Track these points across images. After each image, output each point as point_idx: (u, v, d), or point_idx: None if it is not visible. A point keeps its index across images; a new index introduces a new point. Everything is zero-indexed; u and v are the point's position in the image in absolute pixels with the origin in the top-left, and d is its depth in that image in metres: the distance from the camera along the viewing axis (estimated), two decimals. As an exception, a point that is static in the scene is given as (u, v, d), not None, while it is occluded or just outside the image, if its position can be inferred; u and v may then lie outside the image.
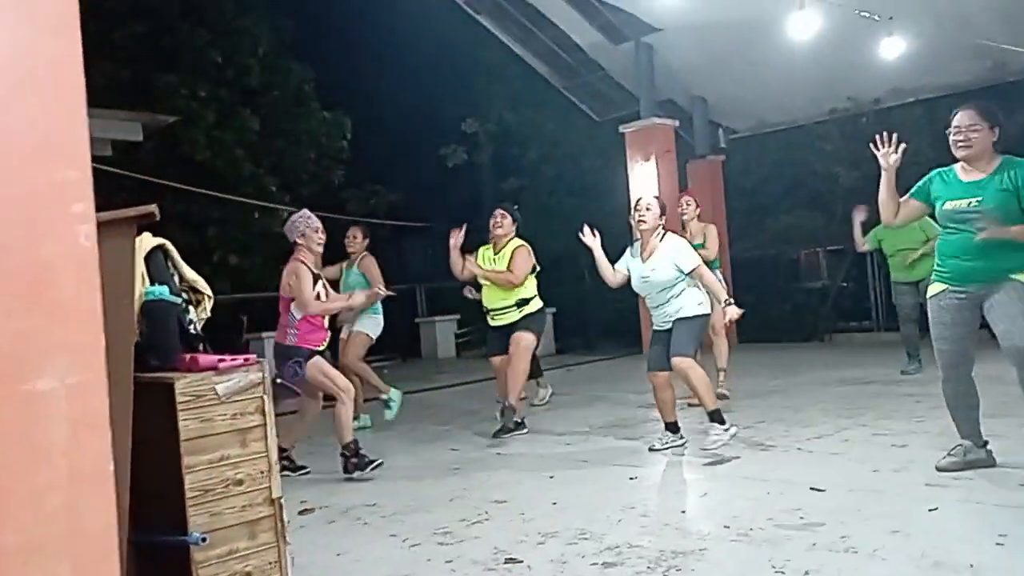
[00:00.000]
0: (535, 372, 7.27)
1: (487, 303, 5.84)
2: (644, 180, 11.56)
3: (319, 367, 4.82)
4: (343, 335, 6.46)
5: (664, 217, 4.86)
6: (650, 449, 4.93)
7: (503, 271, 5.72)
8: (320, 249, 4.94)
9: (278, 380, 4.61)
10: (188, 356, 2.56)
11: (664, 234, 4.81)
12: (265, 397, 2.53)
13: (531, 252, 5.87)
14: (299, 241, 4.87)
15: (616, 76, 12.45)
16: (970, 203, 3.63)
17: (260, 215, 13.05)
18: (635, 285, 4.89)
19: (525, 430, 5.78)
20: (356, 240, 6.53)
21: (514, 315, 5.74)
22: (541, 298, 5.99)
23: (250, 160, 13.07)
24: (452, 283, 10.84)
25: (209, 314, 3.01)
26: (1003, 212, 3.56)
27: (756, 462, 4.44)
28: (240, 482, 2.47)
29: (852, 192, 12.16)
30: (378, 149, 15.68)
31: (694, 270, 4.69)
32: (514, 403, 5.66)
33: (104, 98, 10.83)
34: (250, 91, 13.44)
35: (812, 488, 3.80)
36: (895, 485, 3.79)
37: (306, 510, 4.14)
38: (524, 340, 5.67)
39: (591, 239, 4.99)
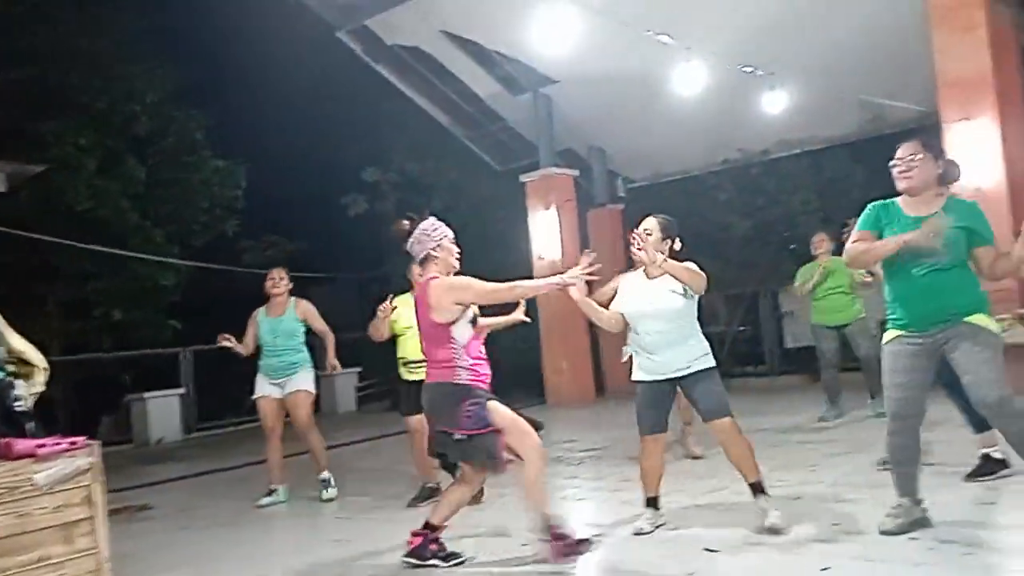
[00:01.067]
0: None
1: (407, 354, 5.35)
2: (546, 229, 11.61)
3: (503, 413, 3.72)
4: (270, 394, 5.91)
5: (669, 241, 4.10)
6: (635, 534, 4.07)
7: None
8: (456, 265, 3.97)
9: (451, 434, 3.66)
10: (3, 441, 2.24)
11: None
12: (94, 485, 2.24)
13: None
14: (435, 254, 3.86)
15: (516, 126, 12.57)
16: None
17: (147, 269, 12.44)
18: (633, 321, 4.07)
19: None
20: (283, 280, 6.00)
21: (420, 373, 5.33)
22: None
23: (137, 210, 12.50)
24: (352, 335, 10.54)
25: (43, 387, 2.69)
26: (952, 245, 3.43)
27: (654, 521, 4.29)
28: (64, 585, 2.17)
29: (746, 240, 12.56)
30: (276, 198, 15.29)
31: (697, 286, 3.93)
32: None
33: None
34: (138, 139, 12.92)
35: (706, 549, 3.68)
36: (787, 543, 3.70)
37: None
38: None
39: (576, 293, 3.88)
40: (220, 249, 14.00)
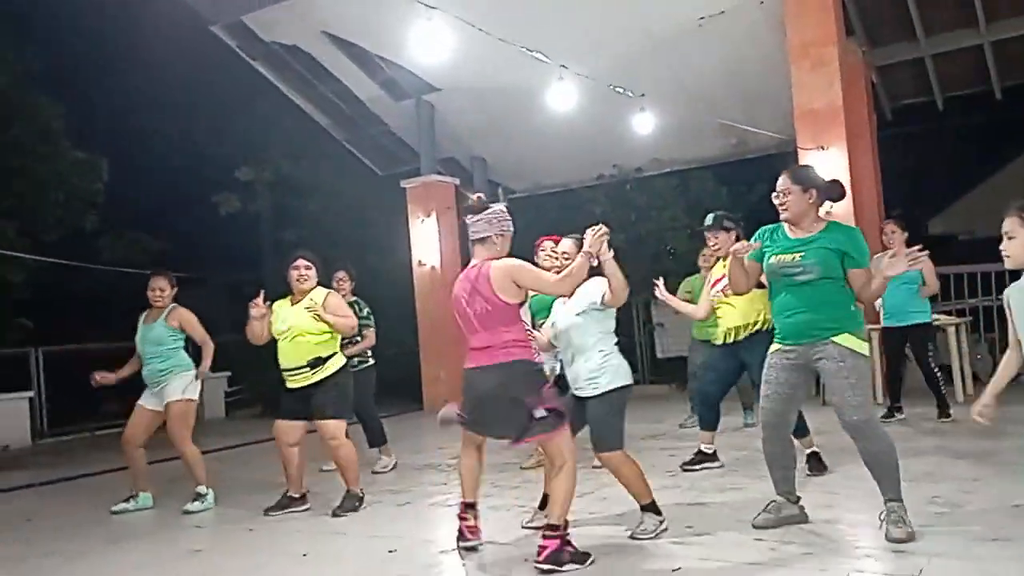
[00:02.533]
0: (379, 439, 6.76)
1: (284, 362, 5.15)
2: (426, 236, 11.61)
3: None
4: (143, 403, 5.63)
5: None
6: (631, 536, 3.97)
7: (342, 317, 5.12)
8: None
9: (530, 412, 3.53)
10: None
11: (589, 278, 3.89)
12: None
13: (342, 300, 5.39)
14: (495, 240, 3.79)
15: (398, 132, 12.52)
16: (794, 257, 3.71)
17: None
18: (554, 332, 4.14)
19: (306, 505, 5.26)
20: (164, 292, 5.67)
21: (307, 377, 5.09)
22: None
23: (-15, 201, 11.61)
24: (223, 337, 10.10)
25: None
26: (824, 268, 3.66)
27: (508, 531, 4.36)
28: None
29: (619, 253, 12.94)
30: (143, 195, 14.58)
31: (603, 298, 3.88)
32: (355, 490, 5.18)
33: None
34: (-12, 126, 11.99)
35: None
36: (642, 544, 3.86)
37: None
38: (330, 430, 5.06)
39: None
40: (78, 245, 13.18)
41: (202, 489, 5.57)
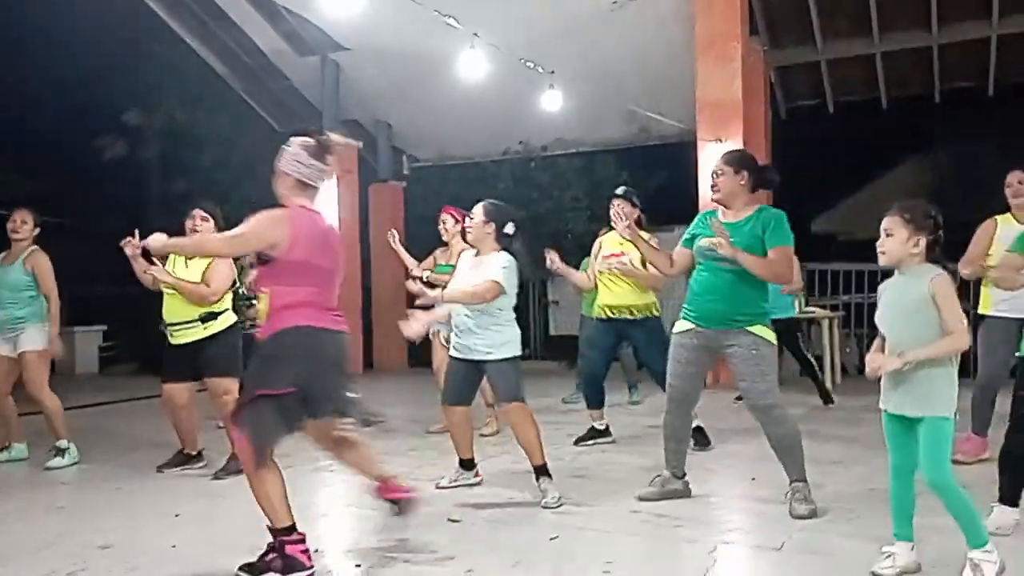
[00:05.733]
0: None
1: (167, 316, 4.93)
2: (324, 199, 11.29)
3: None
4: (3, 352, 5.29)
5: (493, 224, 4.19)
6: (437, 487, 4.37)
7: (196, 284, 4.81)
8: None
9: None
10: None
11: (500, 250, 4.17)
12: None
13: (230, 263, 5.04)
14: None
15: (300, 88, 12.09)
16: (719, 242, 3.72)
17: None
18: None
19: (202, 463, 5.12)
20: (26, 225, 5.30)
21: (198, 332, 4.86)
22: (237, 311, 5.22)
23: None
24: (100, 290, 9.51)
25: None
26: (747, 252, 3.69)
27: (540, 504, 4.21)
28: None
29: (519, 230, 13.05)
30: (17, 132, 13.56)
31: (490, 286, 4.02)
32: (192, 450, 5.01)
33: None
34: None
35: (450, 520, 3.80)
36: (523, 514, 3.92)
37: None
38: (223, 386, 4.76)
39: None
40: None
41: (63, 443, 5.28)
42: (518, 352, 4.24)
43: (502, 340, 4.18)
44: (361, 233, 11.93)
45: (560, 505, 4.02)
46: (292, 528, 3.11)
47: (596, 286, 5.58)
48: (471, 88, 8.83)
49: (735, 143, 8.76)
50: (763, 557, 3.32)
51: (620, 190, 5.53)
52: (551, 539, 3.50)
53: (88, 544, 3.55)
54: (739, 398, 7.25)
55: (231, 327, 5.01)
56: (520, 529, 3.69)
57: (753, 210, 3.87)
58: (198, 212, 4.99)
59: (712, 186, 3.94)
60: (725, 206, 3.92)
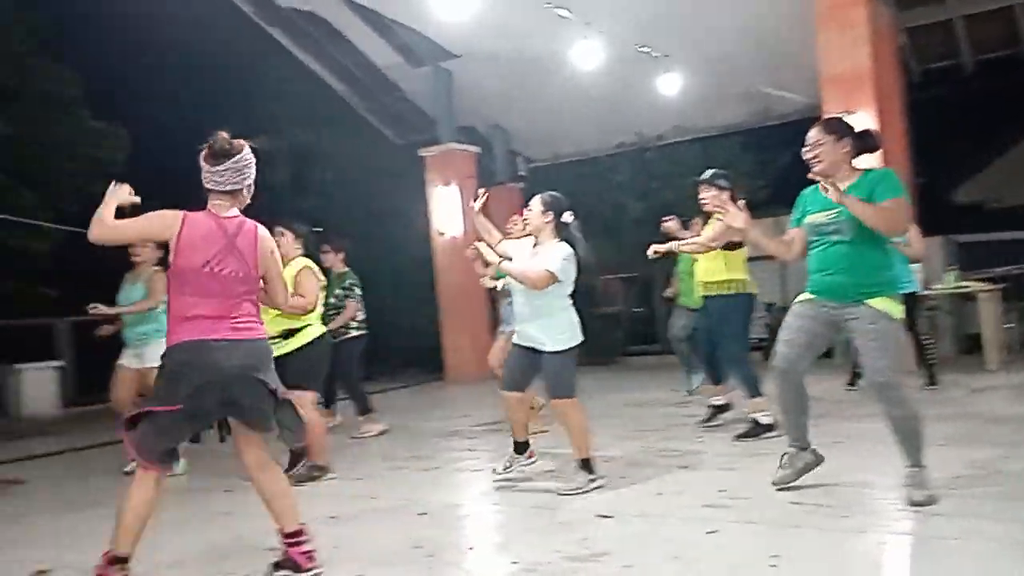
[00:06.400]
0: (362, 407, 6.89)
1: None
2: (445, 205, 11.51)
3: None
4: (130, 365, 5.71)
5: (551, 214, 4.28)
6: (495, 471, 4.57)
7: (293, 297, 4.88)
8: None
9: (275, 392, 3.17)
10: None
11: (559, 240, 4.28)
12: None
13: (317, 272, 5.24)
14: (246, 194, 3.28)
15: (415, 99, 12.38)
16: (829, 215, 3.61)
17: (16, 234, 11.59)
18: (510, 285, 4.43)
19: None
20: (146, 249, 5.66)
21: (280, 348, 4.94)
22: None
23: (1, 170, 11.59)
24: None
25: None
26: (856, 227, 3.54)
27: (547, 491, 4.34)
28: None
29: (640, 222, 12.84)
30: (158, 162, 14.50)
31: (543, 275, 4.12)
32: (320, 462, 5.09)
33: None
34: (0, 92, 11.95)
35: (600, 516, 3.75)
36: (676, 508, 3.82)
37: (40, 572, 3.52)
38: (299, 401, 4.93)
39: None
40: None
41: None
42: (575, 342, 4.27)
43: (558, 330, 4.24)
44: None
45: (576, 493, 4.10)
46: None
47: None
48: (583, 82, 8.79)
49: (866, 114, 8.31)
50: (939, 548, 3.09)
51: (706, 174, 5.55)
52: (709, 533, 3.38)
53: (258, 547, 3.71)
54: (851, 383, 6.89)
55: (314, 340, 5.12)
56: (675, 524, 3.60)
57: (856, 177, 3.66)
58: (277, 228, 5.09)
59: (811, 158, 3.71)
60: (827, 177, 3.68)
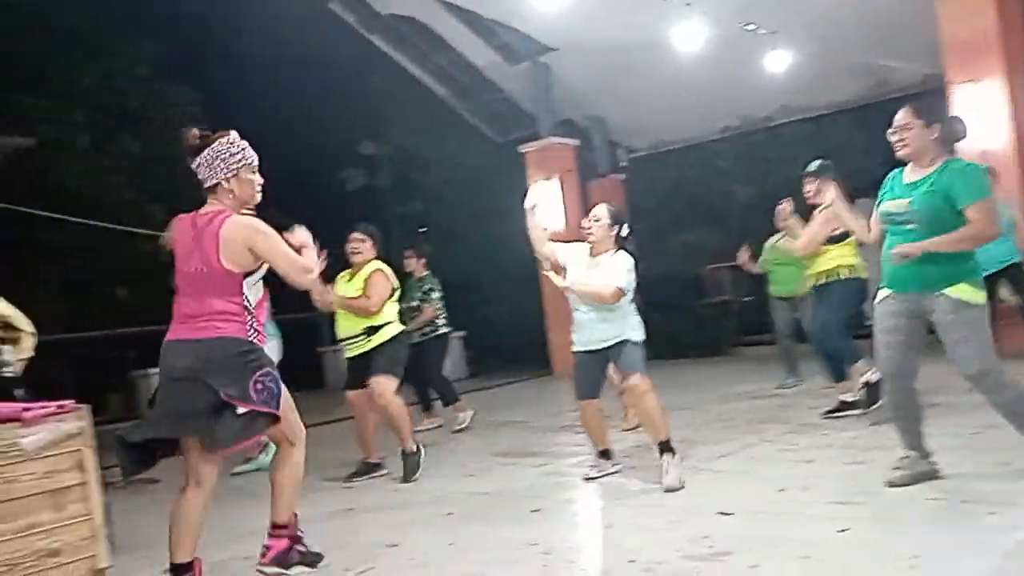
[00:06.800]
0: (451, 398, 7.23)
1: (339, 333, 5.32)
2: (548, 200, 11.44)
3: (288, 398, 3.15)
4: None
5: (617, 227, 4.38)
6: (585, 479, 4.52)
7: (358, 298, 5.14)
8: (256, 199, 3.27)
9: (232, 405, 2.87)
10: (-13, 405, 2.14)
11: (617, 250, 4.37)
12: (85, 450, 2.14)
13: (390, 275, 5.32)
14: (230, 183, 3.09)
15: (514, 97, 12.38)
16: (901, 205, 3.48)
17: (144, 244, 12.29)
18: (569, 295, 4.47)
19: (384, 471, 5.30)
20: None
21: (363, 345, 5.17)
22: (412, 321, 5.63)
23: (132, 187, 12.34)
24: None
25: (32, 353, 2.59)
26: (930, 215, 3.39)
27: (658, 487, 4.21)
28: (56, 552, 2.07)
29: (748, 208, 12.41)
30: (272, 173, 15.07)
31: (615, 292, 4.18)
32: (409, 448, 5.14)
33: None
34: (130, 115, 12.74)
35: (720, 513, 3.60)
36: (803, 505, 3.63)
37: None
38: (380, 386, 5.05)
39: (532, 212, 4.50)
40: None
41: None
42: (642, 338, 4.33)
43: (626, 327, 4.29)
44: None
45: (683, 487, 4.01)
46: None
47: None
48: (684, 66, 8.54)
49: (995, 82, 7.75)
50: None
51: (811, 166, 5.47)
52: (840, 531, 3.18)
53: (376, 543, 3.76)
54: None
55: (395, 337, 5.24)
56: (802, 521, 3.41)
57: (938, 164, 3.47)
58: (355, 235, 5.30)
59: (899, 141, 3.51)
60: (912, 162, 3.54)
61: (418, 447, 5.17)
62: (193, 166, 3.02)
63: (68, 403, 2.22)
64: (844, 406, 5.50)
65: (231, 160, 3.01)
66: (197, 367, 2.85)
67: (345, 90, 15.42)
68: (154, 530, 2.96)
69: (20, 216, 10.32)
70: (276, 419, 3.00)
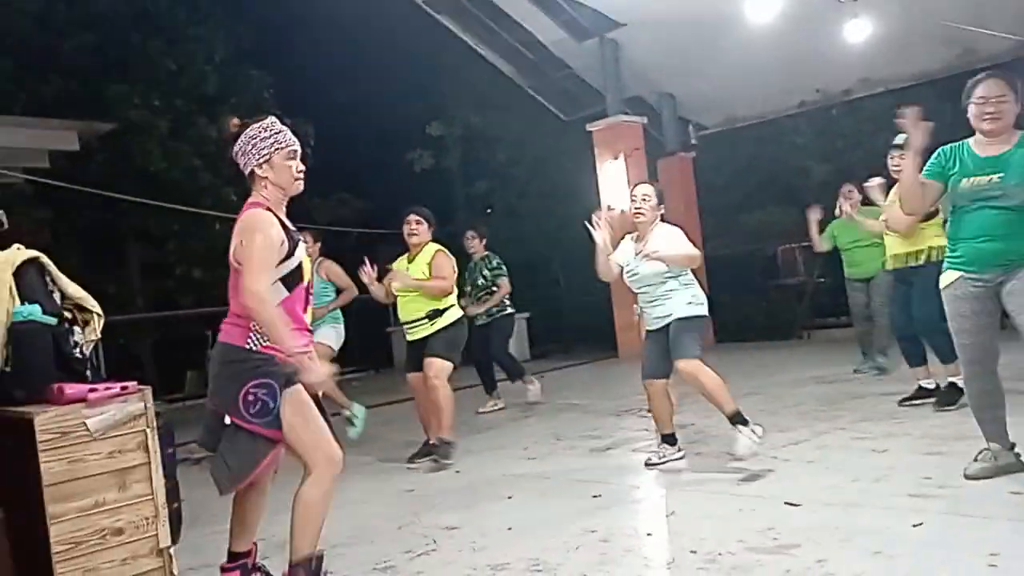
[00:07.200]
0: (518, 372, 7.36)
1: (402, 316, 5.33)
2: (614, 179, 11.29)
3: (304, 413, 2.72)
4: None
5: (663, 207, 4.45)
6: (647, 464, 4.47)
7: (433, 279, 5.17)
8: (297, 188, 2.96)
9: (221, 416, 2.74)
10: (54, 386, 2.21)
11: (662, 224, 4.42)
12: (148, 431, 2.19)
13: (450, 256, 5.36)
14: (263, 170, 2.86)
15: (582, 74, 12.21)
16: (991, 179, 3.31)
17: (222, 226, 12.65)
18: (626, 279, 4.48)
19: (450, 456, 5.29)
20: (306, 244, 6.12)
21: (426, 328, 5.19)
22: (462, 306, 5.60)
23: (208, 170, 12.68)
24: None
25: (99, 335, 2.67)
26: (1020, 189, 3.25)
27: (728, 474, 4.12)
28: (120, 531, 2.13)
29: (825, 186, 11.97)
30: (343, 156, 15.31)
31: (694, 252, 4.28)
32: (446, 436, 5.16)
33: (55, 111, 10.44)
34: (207, 99, 13.08)
35: (787, 503, 3.49)
36: (875, 497, 3.48)
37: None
38: (434, 368, 5.09)
39: (597, 231, 4.43)
40: (292, 207, 14.16)
41: (347, 411, 5.86)
42: (703, 312, 4.31)
43: (686, 300, 4.28)
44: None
45: (754, 455, 4.05)
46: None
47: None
48: (757, 39, 8.26)
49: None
50: None
51: (899, 139, 5.03)
52: (915, 526, 3.04)
53: (436, 525, 3.78)
54: None
55: (457, 321, 5.27)
56: (875, 514, 3.27)
57: (1016, 138, 3.36)
58: (412, 217, 5.31)
59: (991, 113, 3.34)
60: (994, 137, 3.37)
61: (453, 438, 5.21)
62: (233, 155, 2.88)
63: (132, 384, 2.28)
64: (923, 393, 5.28)
65: (262, 146, 2.80)
66: (213, 370, 2.77)
67: (414, 70, 15.47)
68: (222, 505, 3.03)
69: (105, 199, 10.75)
70: (273, 441, 2.68)
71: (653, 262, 4.22)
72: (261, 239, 2.65)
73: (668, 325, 4.29)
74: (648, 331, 4.45)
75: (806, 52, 9.56)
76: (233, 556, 2.94)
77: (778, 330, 11.28)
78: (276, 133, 2.83)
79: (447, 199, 15.93)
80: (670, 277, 4.29)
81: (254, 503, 2.93)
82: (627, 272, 4.44)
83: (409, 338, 5.34)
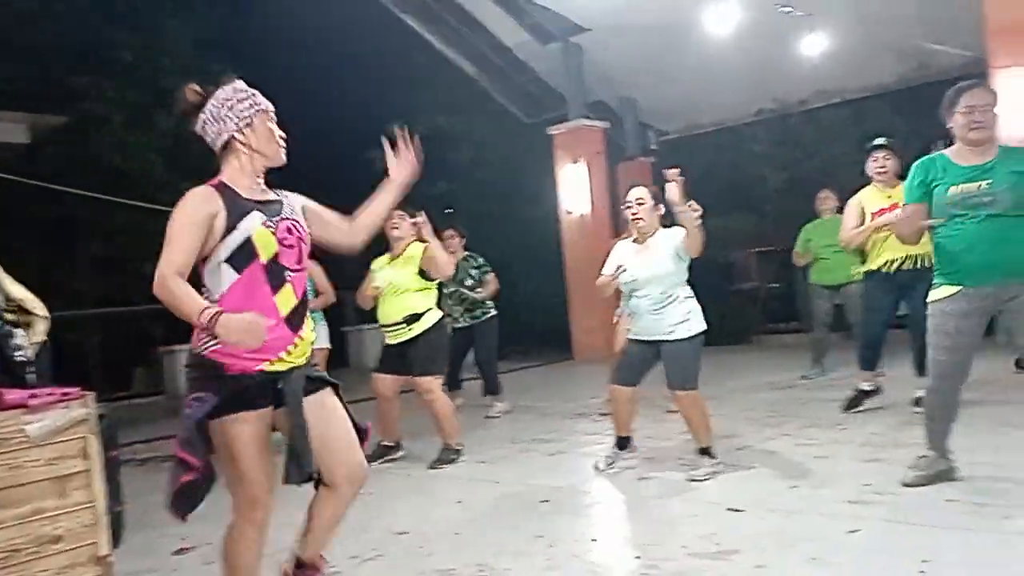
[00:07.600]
0: (494, 389, 7.07)
1: (381, 319, 5.24)
2: (574, 182, 11.38)
3: (232, 436, 2.34)
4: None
5: (661, 207, 4.21)
6: (596, 468, 4.50)
7: (440, 257, 4.92)
8: (279, 157, 2.68)
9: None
10: (-5, 391, 2.18)
11: (665, 227, 4.24)
12: (89, 437, 2.17)
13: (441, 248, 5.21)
14: (244, 135, 2.52)
15: (545, 77, 12.27)
16: (980, 186, 3.30)
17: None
18: (622, 284, 4.27)
19: (400, 452, 5.37)
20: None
21: (405, 333, 5.12)
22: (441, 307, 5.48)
23: (166, 165, 12.48)
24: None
25: (44, 337, 2.63)
26: (1016, 194, 3.26)
27: (675, 480, 4.19)
28: (59, 539, 2.10)
29: (781, 193, 12.22)
30: (304, 153, 15.13)
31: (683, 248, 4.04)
32: (453, 444, 5.17)
33: (7, 102, 10.21)
34: (165, 92, 12.85)
35: (730, 509, 3.57)
36: (816, 503, 3.57)
37: (182, 549, 3.74)
38: (423, 386, 5.05)
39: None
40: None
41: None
42: (701, 328, 4.18)
43: (682, 316, 4.15)
44: (612, 212, 11.88)
45: (707, 479, 4.05)
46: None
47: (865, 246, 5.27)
48: (717, 49, 8.39)
49: (1041, 67, 7.48)
50: None
51: (880, 140, 5.26)
52: (850, 532, 3.14)
53: (386, 530, 3.79)
54: (1020, 365, 6.17)
55: (435, 325, 5.14)
56: (814, 521, 3.36)
57: (996, 149, 3.39)
58: (395, 212, 5.02)
59: (979, 122, 3.35)
60: (978, 146, 3.39)
61: (460, 444, 5.20)
62: (198, 129, 2.45)
63: (73, 390, 2.25)
64: (862, 395, 5.45)
65: (240, 107, 2.42)
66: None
67: (377, 69, 15.41)
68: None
69: (56, 193, 10.52)
70: (181, 462, 2.24)
71: (652, 268, 4.12)
72: (177, 218, 2.31)
73: (663, 342, 4.15)
74: (634, 339, 4.33)
75: (764, 62, 9.74)
76: (298, 563, 2.73)
77: (733, 335, 11.45)
78: (252, 95, 2.46)
79: (406, 199, 15.88)
80: (679, 278, 4.17)
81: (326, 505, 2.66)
82: (625, 279, 4.23)
83: (388, 341, 5.25)
